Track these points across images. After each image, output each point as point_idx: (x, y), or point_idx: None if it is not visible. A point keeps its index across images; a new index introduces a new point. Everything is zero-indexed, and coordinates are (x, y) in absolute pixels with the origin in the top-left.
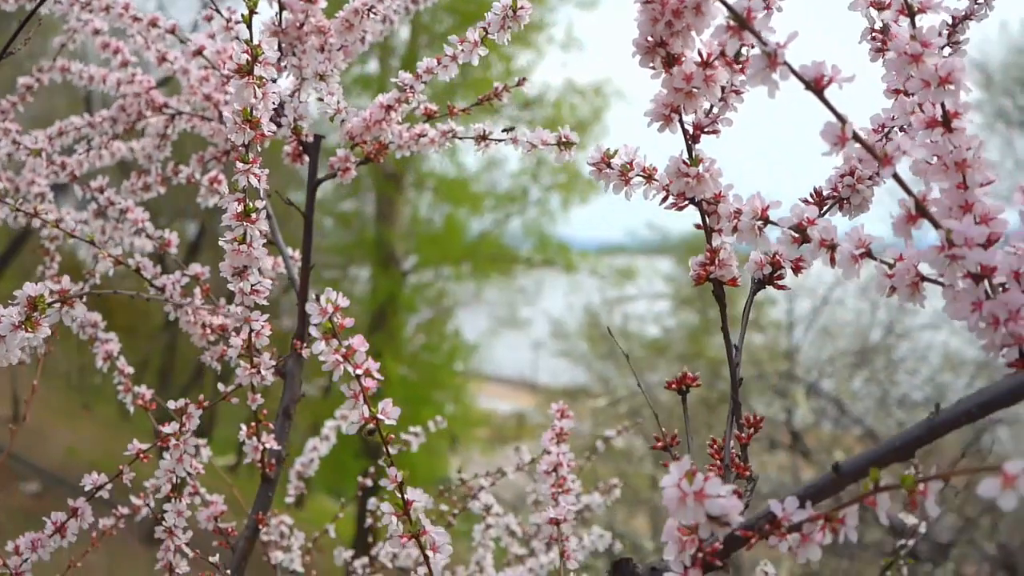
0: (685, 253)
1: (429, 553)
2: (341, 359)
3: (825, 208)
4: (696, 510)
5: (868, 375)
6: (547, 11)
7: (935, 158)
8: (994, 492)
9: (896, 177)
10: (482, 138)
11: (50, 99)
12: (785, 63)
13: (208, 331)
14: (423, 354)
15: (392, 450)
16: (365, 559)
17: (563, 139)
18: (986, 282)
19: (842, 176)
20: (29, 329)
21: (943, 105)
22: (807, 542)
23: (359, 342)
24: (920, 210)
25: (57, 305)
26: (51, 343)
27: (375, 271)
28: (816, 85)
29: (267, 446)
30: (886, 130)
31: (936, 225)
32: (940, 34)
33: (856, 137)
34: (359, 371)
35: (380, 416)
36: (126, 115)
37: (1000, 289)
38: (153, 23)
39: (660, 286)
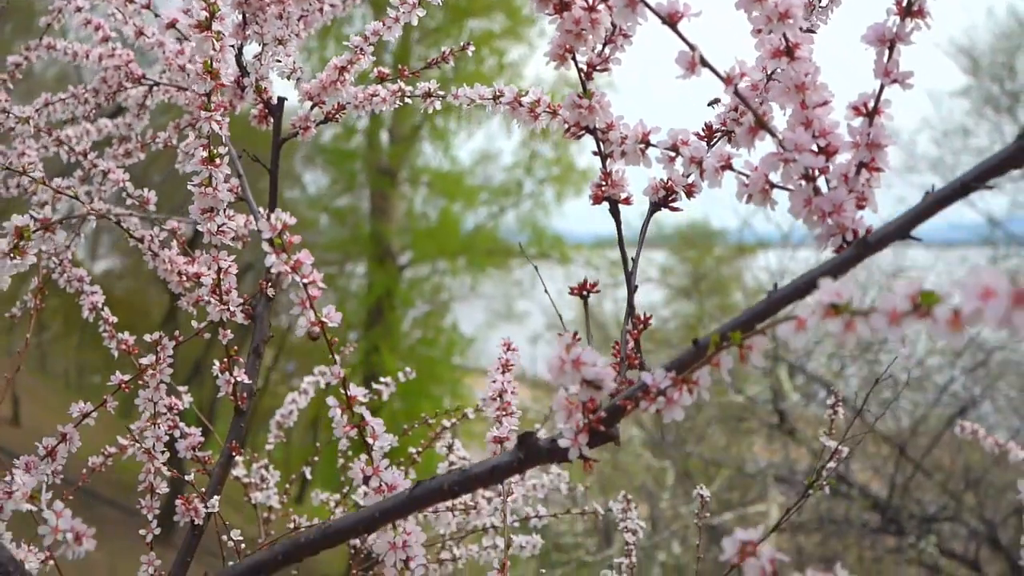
0: (680, 244)
1: (369, 440)
2: (290, 270)
3: (715, 140)
4: (573, 375)
5: (849, 352)
6: None
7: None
8: (789, 334)
9: (738, 95)
10: (428, 95)
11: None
12: (642, 1)
13: (184, 279)
14: (420, 348)
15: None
16: (338, 495)
17: (497, 93)
18: (824, 183)
19: (729, 111)
20: (16, 255)
21: (785, 37)
22: (671, 403)
23: (305, 256)
24: (759, 123)
25: (40, 232)
26: (41, 298)
27: (371, 266)
28: (671, 20)
29: (239, 380)
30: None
31: (772, 135)
32: None
33: (703, 62)
34: (306, 280)
35: (324, 319)
36: (107, 87)
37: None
38: None
39: (652, 274)
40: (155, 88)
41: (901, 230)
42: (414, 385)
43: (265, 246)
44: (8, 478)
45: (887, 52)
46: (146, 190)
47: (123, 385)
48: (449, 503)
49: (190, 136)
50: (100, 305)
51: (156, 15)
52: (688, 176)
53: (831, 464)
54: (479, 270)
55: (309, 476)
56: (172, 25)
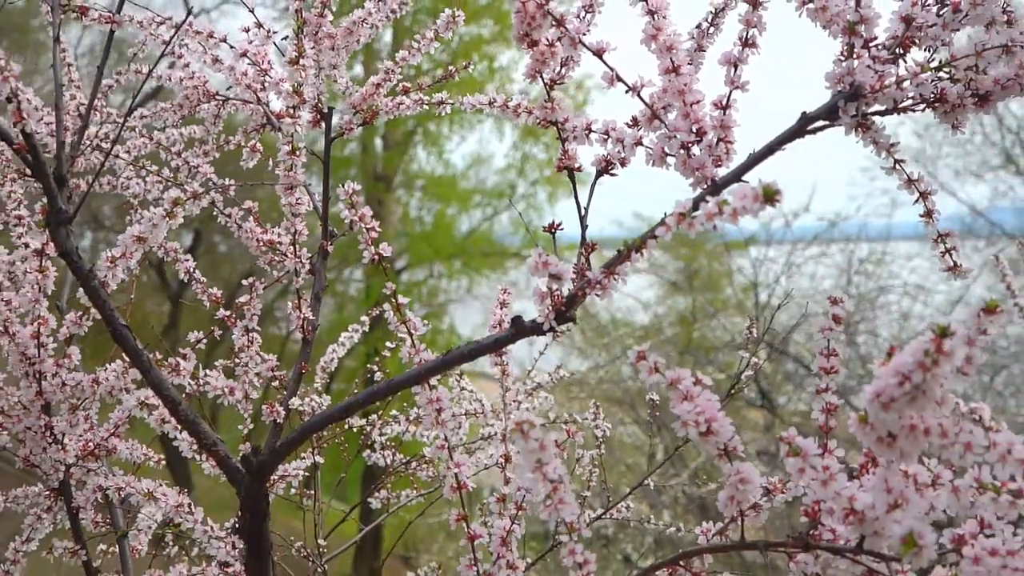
0: (673, 242)
1: (413, 331)
2: (357, 220)
3: (638, 127)
4: (543, 271)
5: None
6: None
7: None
8: (663, 232)
9: (640, 98)
10: (441, 103)
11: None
12: (581, 42)
13: (260, 243)
14: None
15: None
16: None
17: (492, 100)
18: (696, 149)
19: (644, 110)
20: (170, 217)
21: (671, 60)
22: (605, 288)
23: (368, 211)
24: (653, 115)
25: (191, 200)
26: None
27: (368, 271)
28: (598, 52)
29: (306, 317)
30: None
31: (662, 122)
32: (707, 17)
33: (618, 78)
34: (368, 226)
35: (381, 251)
36: (189, 101)
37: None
38: (210, 35)
39: (645, 270)
40: (226, 103)
41: (735, 176)
42: None
43: (341, 203)
44: (175, 363)
45: (733, 69)
46: (227, 180)
47: (226, 319)
48: (463, 410)
49: (254, 139)
50: (192, 270)
51: (231, 47)
52: (619, 152)
53: (748, 373)
54: (475, 272)
55: None
56: (244, 54)
